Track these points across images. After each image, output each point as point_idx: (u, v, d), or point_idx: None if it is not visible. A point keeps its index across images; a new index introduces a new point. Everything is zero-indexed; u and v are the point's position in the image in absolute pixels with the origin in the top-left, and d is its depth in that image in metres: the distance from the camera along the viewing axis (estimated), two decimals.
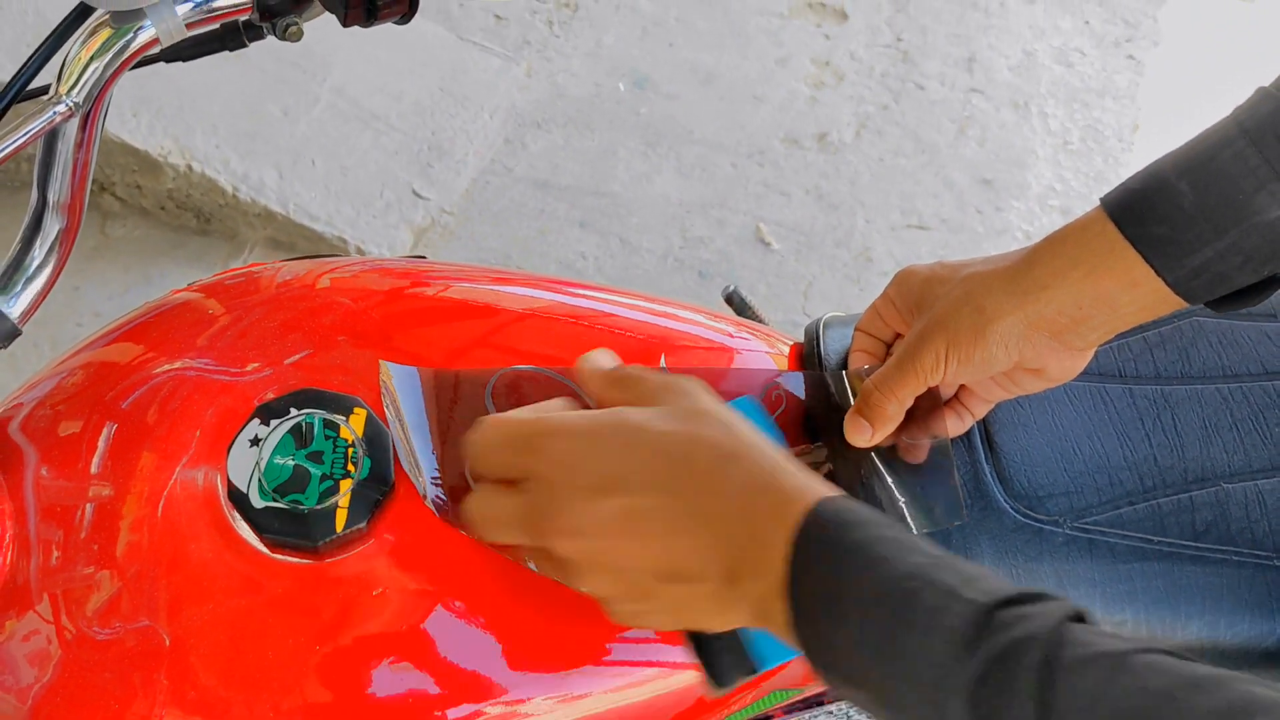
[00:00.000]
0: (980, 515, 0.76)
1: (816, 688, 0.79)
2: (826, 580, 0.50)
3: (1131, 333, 0.82)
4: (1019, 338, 0.66)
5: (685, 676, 0.69)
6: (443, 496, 0.66)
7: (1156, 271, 0.62)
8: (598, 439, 0.55)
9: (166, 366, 0.71)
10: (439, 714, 0.64)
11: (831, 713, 0.85)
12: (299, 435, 0.63)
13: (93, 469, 0.67)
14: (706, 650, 0.60)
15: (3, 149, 0.55)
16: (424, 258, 0.89)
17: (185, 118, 1.98)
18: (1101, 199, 0.65)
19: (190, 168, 1.93)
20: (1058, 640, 0.45)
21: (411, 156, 2.06)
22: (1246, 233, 0.61)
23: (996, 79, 2.34)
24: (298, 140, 2.02)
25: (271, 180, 1.96)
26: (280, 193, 1.95)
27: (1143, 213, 0.63)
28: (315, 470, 0.62)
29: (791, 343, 0.84)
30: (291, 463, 0.62)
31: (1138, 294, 0.64)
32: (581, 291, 0.81)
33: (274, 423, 0.63)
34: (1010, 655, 0.45)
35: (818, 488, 0.54)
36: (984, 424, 0.79)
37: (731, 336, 0.82)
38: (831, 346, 0.81)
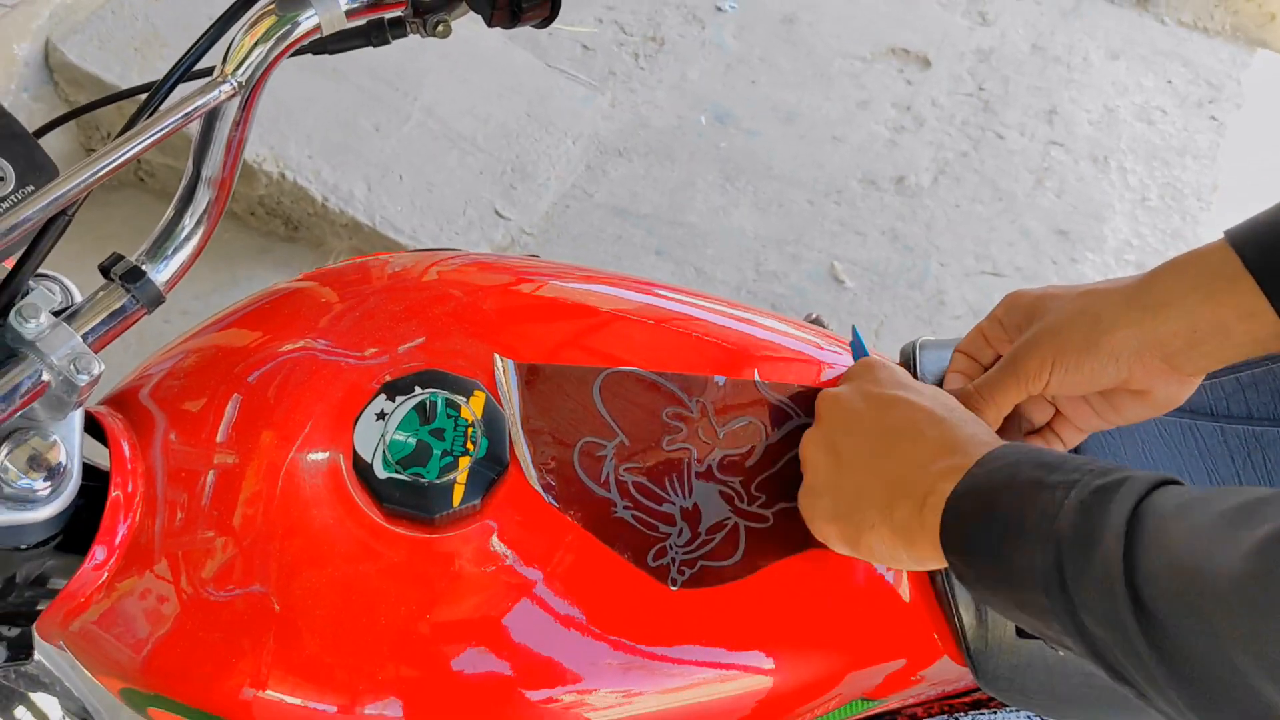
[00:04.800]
0: None
1: (896, 701, 0.80)
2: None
3: (1225, 372, 0.83)
4: (1131, 354, 0.67)
5: (756, 680, 0.70)
6: (550, 481, 0.69)
7: (1272, 303, 0.64)
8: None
9: (289, 346, 0.74)
10: (532, 691, 0.66)
11: None
12: (422, 412, 0.66)
13: (219, 437, 0.70)
14: None
15: (170, 123, 0.58)
16: (537, 256, 0.92)
17: (280, 128, 2.04)
18: (1225, 230, 0.67)
19: (283, 176, 1.99)
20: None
21: (495, 177, 2.10)
22: None
23: (1077, 132, 2.35)
24: (387, 155, 2.07)
25: (360, 192, 2.01)
26: (368, 205, 2.00)
27: (1266, 244, 0.64)
28: (437, 446, 0.65)
29: None
30: (414, 439, 0.65)
31: (1252, 325, 0.65)
32: (682, 297, 0.83)
33: (399, 399, 0.66)
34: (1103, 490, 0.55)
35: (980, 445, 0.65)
36: (1075, 454, 0.80)
37: (822, 350, 0.84)
38: (927, 367, 0.82)
